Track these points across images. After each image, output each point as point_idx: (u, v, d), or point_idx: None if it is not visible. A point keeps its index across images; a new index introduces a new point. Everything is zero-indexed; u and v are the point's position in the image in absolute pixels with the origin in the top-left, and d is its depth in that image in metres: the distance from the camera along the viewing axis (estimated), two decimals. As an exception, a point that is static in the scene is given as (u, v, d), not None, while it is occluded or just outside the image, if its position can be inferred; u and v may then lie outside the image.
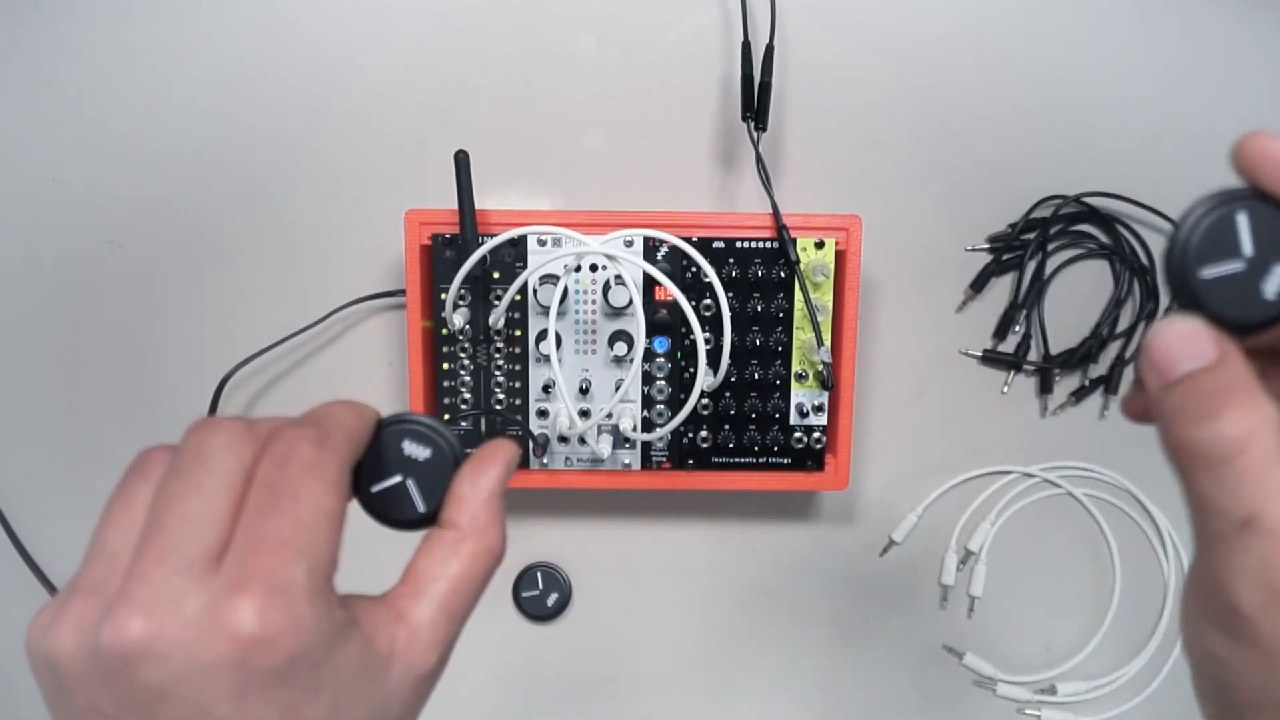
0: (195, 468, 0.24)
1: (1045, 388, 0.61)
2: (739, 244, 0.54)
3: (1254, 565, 0.22)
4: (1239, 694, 0.23)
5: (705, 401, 0.56)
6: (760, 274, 0.54)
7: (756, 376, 0.55)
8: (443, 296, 0.54)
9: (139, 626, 0.22)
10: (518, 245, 0.54)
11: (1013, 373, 0.61)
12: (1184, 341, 0.24)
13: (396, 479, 0.28)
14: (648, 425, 0.56)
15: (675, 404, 0.56)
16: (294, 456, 0.24)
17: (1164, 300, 0.60)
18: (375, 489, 0.28)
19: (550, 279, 0.54)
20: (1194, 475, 0.24)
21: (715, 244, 0.54)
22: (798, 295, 0.54)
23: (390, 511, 0.28)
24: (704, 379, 0.52)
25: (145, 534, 0.23)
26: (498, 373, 0.56)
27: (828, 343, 0.54)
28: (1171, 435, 0.24)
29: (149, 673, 0.22)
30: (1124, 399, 0.31)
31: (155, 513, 0.24)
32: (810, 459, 0.57)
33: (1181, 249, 0.25)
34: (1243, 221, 0.24)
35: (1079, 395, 0.61)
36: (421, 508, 0.28)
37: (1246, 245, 0.24)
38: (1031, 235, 0.60)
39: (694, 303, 0.53)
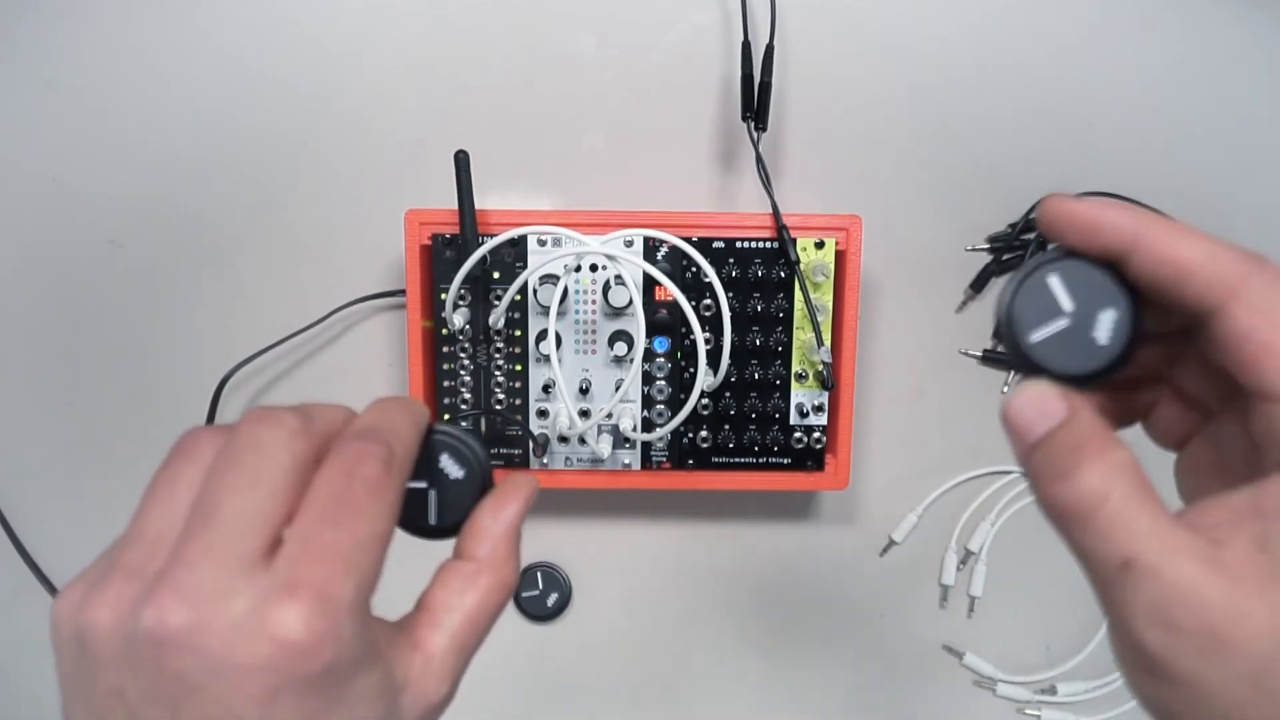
0: (252, 461, 0.24)
1: (1045, 388, 0.61)
2: (739, 244, 0.54)
3: (1144, 605, 0.23)
4: None
5: (705, 401, 0.56)
6: (760, 274, 0.54)
7: (756, 376, 0.55)
8: (443, 296, 0.54)
9: (182, 615, 0.22)
10: (518, 245, 0.54)
11: (1012, 373, 0.61)
12: (1034, 404, 0.25)
13: (421, 485, 0.28)
14: (648, 425, 0.56)
15: (675, 404, 0.56)
16: (361, 472, 0.24)
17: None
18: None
19: (550, 279, 0.54)
20: (1067, 531, 0.24)
21: (715, 244, 0.54)
22: (798, 295, 0.54)
23: (403, 510, 0.28)
24: (704, 379, 0.52)
25: (194, 521, 0.23)
26: (498, 373, 0.56)
27: (828, 343, 0.54)
28: (1040, 496, 0.25)
29: (183, 664, 0.22)
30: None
31: (206, 501, 0.23)
32: (810, 459, 0.57)
33: (1008, 319, 0.26)
34: (1056, 280, 0.26)
35: (1079, 395, 0.61)
36: (433, 520, 0.28)
37: (1065, 302, 0.26)
38: (1031, 235, 0.60)
39: (694, 303, 0.53)
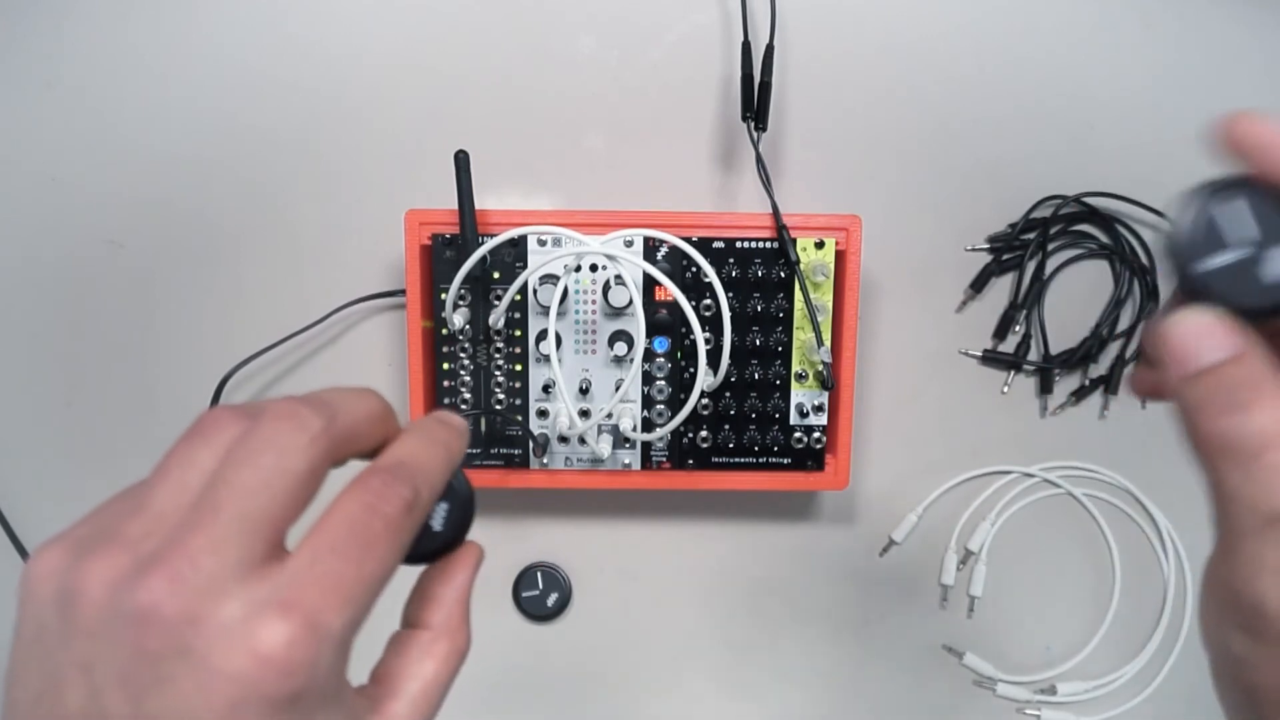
0: (268, 462, 0.23)
1: (1045, 388, 0.61)
2: (739, 244, 0.54)
3: None
4: (1261, 693, 0.23)
5: (705, 401, 0.56)
6: (760, 274, 0.54)
7: (756, 376, 0.55)
8: (443, 296, 0.54)
9: (176, 603, 0.21)
10: (518, 245, 0.54)
11: (1013, 373, 0.61)
12: (1203, 334, 0.24)
13: None
14: (648, 425, 0.56)
15: (675, 404, 0.56)
16: (383, 510, 0.24)
17: (1164, 295, 0.60)
18: None
19: (550, 279, 0.54)
20: (1221, 469, 0.23)
21: (715, 244, 0.54)
22: (798, 295, 0.54)
23: None
24: (704, 379, 0.52)
25: (200, 509, 0.23)
26: (498, 373, 0.56)
27: (828, 343, 0.54)
28: (1198, 428, 0.24)
29: (163, 650, 0.21)
30: (1132, 375, 0.30)
31: (217, 492, 0.23)
32: (810, 459, 0.57)
33: (1185, 241, 0.24)
34: (1237, 207, 0.24)
35: (1079, 395, 0.61)
36: (441, 528, 0.29)
37: (1243, 230, 0.24)
38: (1031, 235, 0.60)
39: (694, 303, 0.53)
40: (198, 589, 0.21)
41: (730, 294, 0.54)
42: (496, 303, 0.55)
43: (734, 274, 0.54)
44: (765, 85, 0.55)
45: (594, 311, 0.55)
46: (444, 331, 0.55)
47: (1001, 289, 0.61)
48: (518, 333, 0.55)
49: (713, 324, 0.55)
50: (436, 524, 0.28)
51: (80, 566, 0.22)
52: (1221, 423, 0.23)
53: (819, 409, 0.56)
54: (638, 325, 0.52)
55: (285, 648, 0.21)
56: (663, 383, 0.56)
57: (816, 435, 0.56)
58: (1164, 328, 0.25)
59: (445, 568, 0.29)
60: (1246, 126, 0.24)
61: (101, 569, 0.22)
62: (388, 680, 0.27)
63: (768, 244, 0.54)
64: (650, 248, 0.54)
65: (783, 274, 0.54)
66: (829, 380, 0.54)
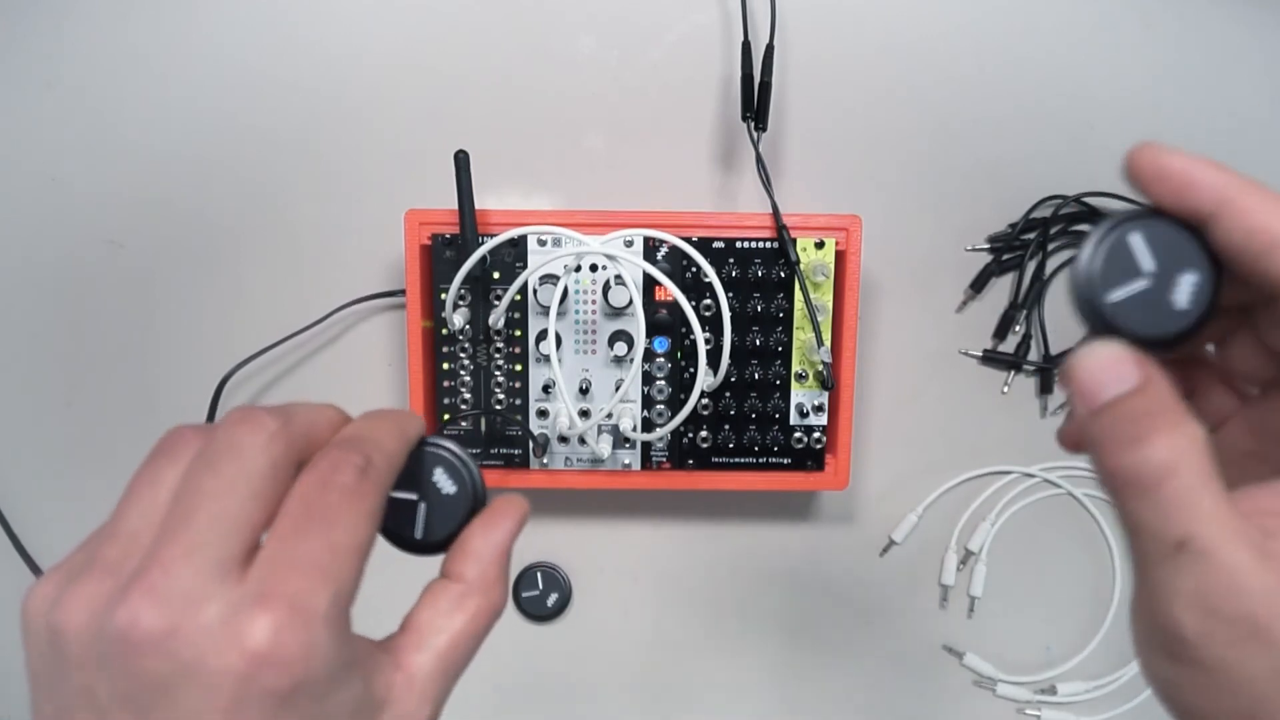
0: (228, 465, 0.23)
1: (1045, 388, 0.61)
2: (739, 244, 0.54)
3: (1190, 588, 0.22)
4: (1195, 715, 0.23)
5: (705, 401, 0.56)
6: (760, 274, 0.54)
7: (756, 376, 0.55)
8: (443, 296, 0.54)
9: (155, 618, 0.21)
10: (518, 245, 0.54)
11: (1013, 373, 0.61)
12: (1106, 367, 0.24)
13: (412, 497, 0.28)
14: (648, 425, 0.56)
15: (675, 404, 0.56)
16: (337, 480, 0.24)
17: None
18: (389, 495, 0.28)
19: (550, 279, 0.54)
20: (1125, 500, 0.23)
21: (715, 244, 0.54)
22: (798, 295, 0.54)
23: (388, 520, 0.28)
24: (704, 379, 0.52)
25: (170, 522, 0.23)
26: (498, 373, 0.56)
27: (828, 343, 0.54)
28: (1101, 462, 0.24)
29: (154, 666, 0.21)
30: (1060, 430, 0.31)
31: (183, 503, 0.23)
32: (810, 459, 0.57)
33: (1086, 275, 0.25)
34: (1139, 239, 0.25)
35: (1079, 395, 0.61)
36: (419, 535, 0.28)
37: (1147, 262, 0.24)
38: (1031, 235, 0.60)
39: (694, 303, 0.53)
40: (177, 599, 0.22)
41: (730, 294, 0.54)
42: (496, 303, 0.55)
43: (734, 274, 0.54)
44: (765, 85, 0.55)
45: (594, 311, 0.55)
46: (444, 331, 0.55)
47: (1001, 289, 0.61)
48: (518, 333, 0.55)
49: (713, 324, 0.55)
50: (447, 488, 0.28)
51: (64, 599, 0.23)
52: (1123, 456, 0.23)
53: (819, 409, 0.56)
54: (638, 325, 0.52)
55: (273, 639, 0.21)
56: (663, 383, 0.56)
57: (816, 435, 0.56)
58: (1069, 362, 0.25)
59: (486, 520, 0.28)
60: (1151, 157, 0.25)
61: (83, 598, 0.22)
62: (415, 630, 0.27)
63: (768, 244, 0.54)
64: (650, 248, 0.54)
65: (783, 274, 0.54)
66: (829, 380, 0.54)
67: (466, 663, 0.27)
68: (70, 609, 0.22)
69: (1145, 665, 0.25)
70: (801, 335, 0.55)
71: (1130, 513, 0.23)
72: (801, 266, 0.54)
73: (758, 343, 0.55)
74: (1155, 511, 0.22)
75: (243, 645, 0.21)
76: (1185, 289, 0.24)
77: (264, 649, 0.21)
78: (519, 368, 0.56)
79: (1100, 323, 0.25)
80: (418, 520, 0.28)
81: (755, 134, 0.55)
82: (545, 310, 0.53)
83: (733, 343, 0.54)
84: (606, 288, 0.54)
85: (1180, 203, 0.24)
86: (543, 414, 0.56)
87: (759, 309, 0.55)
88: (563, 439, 0.56)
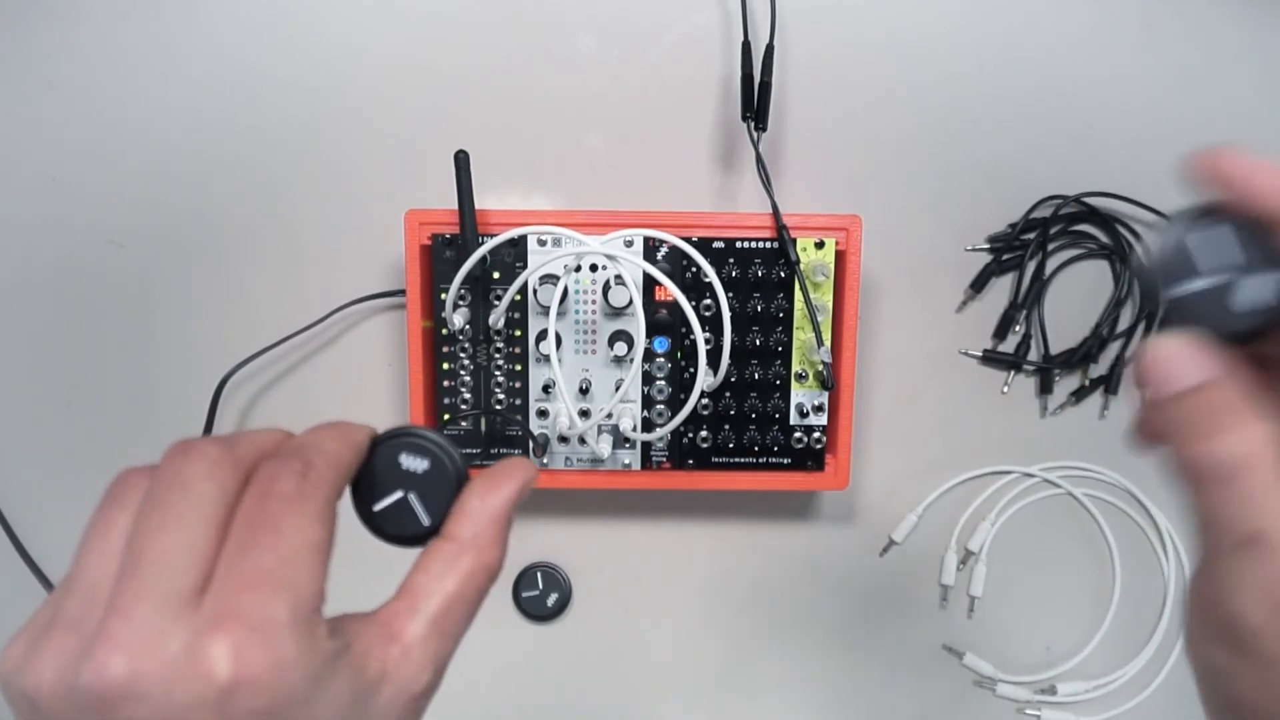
0: (174, 498, 0.23)
1: (1045, 388, 0.61)
2: (739, 244, 0.54)
3: (1258, 581, 0.23)
4: (1243, 706, 0.24)
5: (705, 401, 0.56)
6: (760, 274, 0.54)
7: (756, 376, 0.55)
8: (443, 296, 0.54)
9: (119, 666, 0.21)
10: (518, 245, 0.54)
11: (1013, 373, 0.61)
12: (1178, 358, 0.25)
13: (398, 495, 0.28)
14: (648, 425, 0.56)
15: (675, 404, 0.56)
16: (275, 490, 0.24)
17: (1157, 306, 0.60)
18: (377, 508, 0.28)
19: (550, 279, 0.54)
20: (1199, 492, 0.24)
21: (715, 244, 0.54)
22: (798, 295, 0.54)
23: (394, 529, 0.28)
24: (704, 379, 0.52)
25: (125, 568, 0.23)
26: (498, 373, 0.56)
27: (828, 343, 0.54)
28: (1178, 451, 0.24)
29: (130, 713, 0.21)
30: (1134, 423, 0.31)
31: (134, 545, 0.23)
32: (810, 459, 0.57)
33: (1161, 267, 0.25)
34: (1216, 234, 0.25)
35: (1079, 395, 0.61)
36: (426, 521, 0.28)
37: (1223, 257, 0.25)
38: (1031, 235, 0.60)
39: (694, 303, 0.53)
40: (137, 642, 0.21)
41: (730, 294, 0.54)
42: (496, 303, 0.55)
43: (734, 274, 0.54)
44: (765, 85, 0.55)
45: (594, 311, 0.55)
46: (444, 331, 0.55)
47: (1001, 289, 0.61)
48: (518, 333, 0.55)
49: (713, 324, 0.55)
50: (416, 467, 0.28)
51: (31, 661, 0.22)
52: (1199, 447, 0.24)
53: (819, 409, 0.56)
54: (638, 325, 0.52)
55: (237, 660, 0.21)
56: (663, 383, 0.56)
57: (816, 435, 0.56)
58: (1140, 355, 0.25)
59: (485, 481, 0.28)
60: (1226, 160, 0.25)
61: (49, 657, 0.22)
62: (409, 595, 0.26)
63: (768, 244, 0.54)
64: (650, 248, 0.54)
65: (783, 274, 0.54)
66: (829, 380, 0.54)
67: (464, 625, 0.27)
68: (38, 671, 0.22)
69: (1197, 652, 0.25)
70: (801, 335, 0.55)
71: (1203, 503, 0.24)
72: (801, 266, 0.54)
73: (758, 343, 0.55)
74: (1228, 504, 0.23)
75: (208, 672, 0.21)
76: (1259, 285, 0.25)
77: (230, 672, 0.21)
78: (519, 368, 0.56)
79: (1173, 314, 0.25)
80: (416, 511, 0.28)
81: (755, 134, 0.55)
82: (545, 310, 0.53)
83: (733, 343, 0.54)
84: (606, 288, 0.54)
85: (1255, 204, 0.24)
86: (543, 414, 0.56)
87: (759, 309, 0.55)
88: (563, 439, 0.56)
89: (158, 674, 0.21)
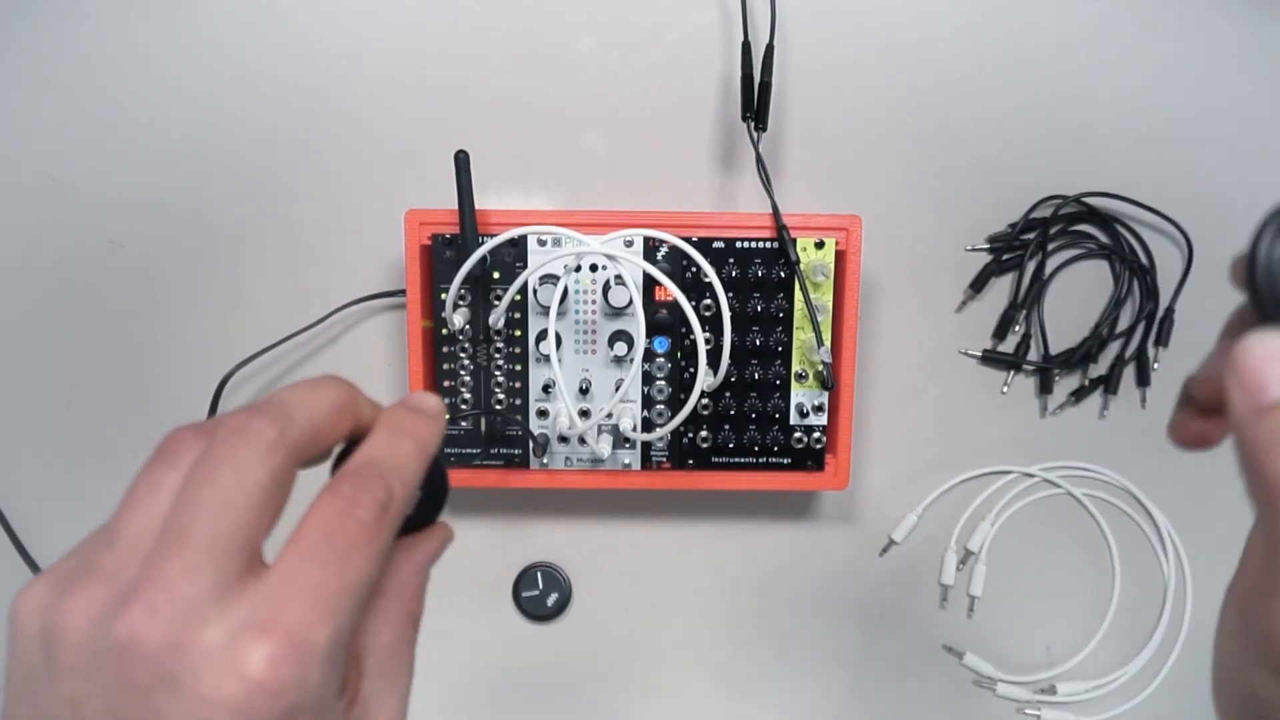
0: (228, 479, 0.23)
1: (1045, 388, 0.61)
2: (739, 244, 0.54)
3: None
4: None
5: (705, 401, 0.56)
6: (760, 274, 0.54)
7: (756, 376, 0.55)
8: (443, 296, 0.54)
9: (155, 633, 0.21)
10: (518, 245, 0.54)
11: (1013, 373, 0.61)
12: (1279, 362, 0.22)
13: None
14: (648, 425, 0.56)
15: (675, 404, 0.56)
16: (356, 514, 0.24)
17: (1164, 302, 0.60)
18: None
19: (550, 279, 0.54)
20: (1276, 512, 0.22)
21: (715, 244, 0.54)
22: (798, 295, 0.54)
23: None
24: (704, 379, 0.52)
25: (169, 537, 0.22)
26: (498, 373, 0.56)
27: (828, 343, 0.54)
28: (1263, 467, 0.22)
29: (149, 684, 0.21)
30: (1173, 423, 0.29)
31: (182, 516, 0.23)
32: (810, 459, 0.57)
33: (1263, 259, 0.23)
34: None
35: (1079, 395, 0.61)
36: (412, 511, 0.28)
37: None
38: (1031, 235, 0.60)
39: (694, 303, 0.53)
40: (176, 617, 0.21)
41: (730, 294, 0.54)
42: (496, 303, 0.55)
43: (734, 274, 0.54)
44: (765, 85, 0.55)
45: (594, 311, 0.55)
46: (444, 331, 0.55)
47: (1001, 289, 0.61)
48: (518, 333, 0.55)
49: (713, 324, 0.55)
50: (409, 509, 0.28)
51: (61, 603, 0.22)
52: None
53: (819, 409, 0.56)
54: (638, 325, 0.52)
55: (271, 669, 0.21)
56: (663, 383, 0.56)
57: (816, 435, 0.56)
58: (1237, 350, 0.23)
59: (411, 540, 0.28)
60: None
61: (81, 604, 0.22)
62: (353, 658, 0.26)
63: (768, 244, 0.54)
64: (650, 248, 0.54)
65: (783, 274, 0.54)
66: (829, 380, 0.54)
67: (407, 675, 0.27)
68: (69, 612, 0.22)
69: (1239, 677, 0.24)
70: (801, 335, 0.55)
71: (1277, 525, 0.22)
72: (801, 266, 0.54)
73: (758, 343, 0.55)
74: None
75: (239, 670, 0.21)
76: None
77: (259, 676, 0.21)
78: (519, 368, 0.56)
79: (1274, 311, 0.23)
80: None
81: (755, 134, 0.55)
82: (545, 310, 0.53)
83: (733, 343, 0.54)
84: (606, 288, 0.54)
85: None
86: (543, 414, 0.56)
87: (759, 309, 0.55)
88: (563, 439, 0.56)
89: (189, 656, 0.21)
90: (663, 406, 0.56)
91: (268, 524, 0.23)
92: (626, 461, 0.57)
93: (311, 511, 0.24)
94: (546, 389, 0.56)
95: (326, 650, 0.22)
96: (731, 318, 0.54)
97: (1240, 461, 0.23)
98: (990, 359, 0.61)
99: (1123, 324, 0.61)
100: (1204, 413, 0.28)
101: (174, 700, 0.21)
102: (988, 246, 0.61)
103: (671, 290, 0.50)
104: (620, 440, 0.56)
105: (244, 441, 0.24)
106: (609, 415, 0.56)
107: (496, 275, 0.55)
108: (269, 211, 0.60)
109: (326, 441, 0.26)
